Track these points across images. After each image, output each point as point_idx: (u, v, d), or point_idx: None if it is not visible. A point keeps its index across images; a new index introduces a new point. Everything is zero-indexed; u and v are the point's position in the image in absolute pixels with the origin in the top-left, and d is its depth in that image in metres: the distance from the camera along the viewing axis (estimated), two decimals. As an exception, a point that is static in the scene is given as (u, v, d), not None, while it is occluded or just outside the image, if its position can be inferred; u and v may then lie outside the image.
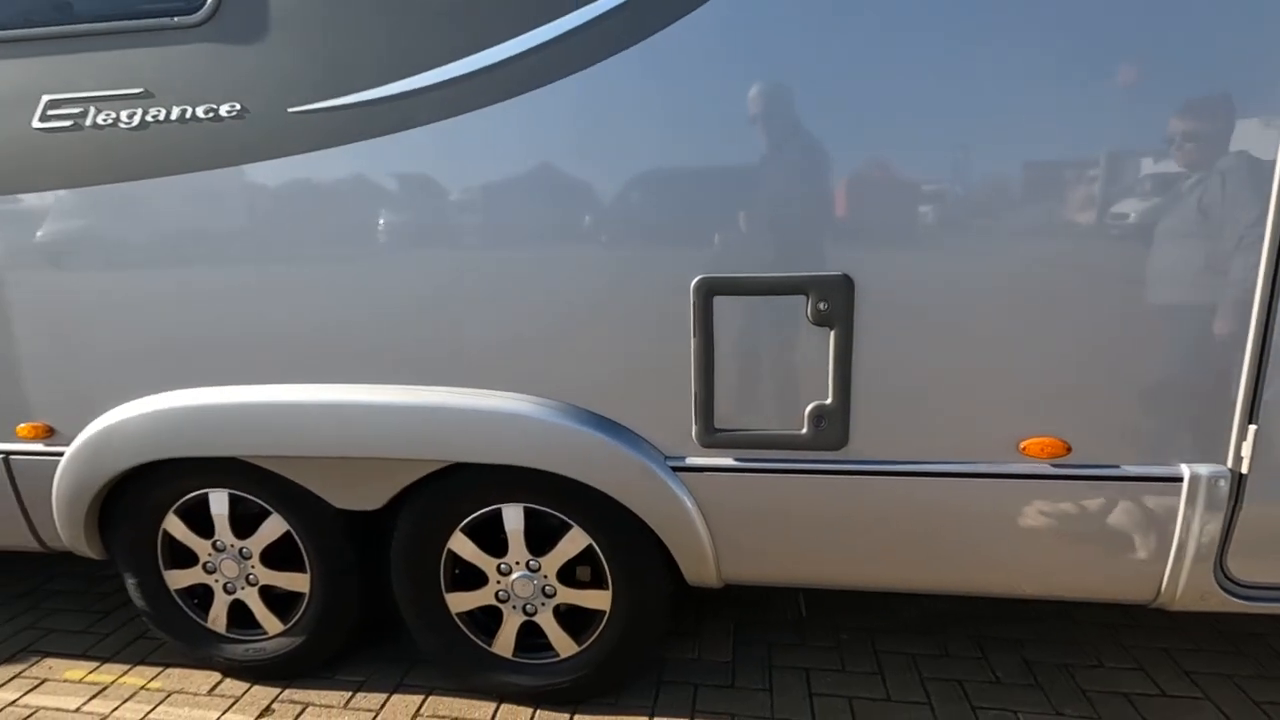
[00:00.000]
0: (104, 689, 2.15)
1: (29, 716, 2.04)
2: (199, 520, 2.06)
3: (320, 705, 2.05)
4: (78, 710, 2.06)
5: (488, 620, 2.02)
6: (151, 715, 2.03)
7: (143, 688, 2.15)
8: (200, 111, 1.71)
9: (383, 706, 2.04)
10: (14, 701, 2.10)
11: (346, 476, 1.90)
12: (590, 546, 1.88)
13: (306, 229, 1.74)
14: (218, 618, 2.14)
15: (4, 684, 2.18)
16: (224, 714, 2.02)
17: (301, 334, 1.79)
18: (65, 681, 2.19)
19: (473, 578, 1.97)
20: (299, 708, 2.04)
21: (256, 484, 1.99)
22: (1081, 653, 2.20)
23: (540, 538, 1.91)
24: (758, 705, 2.01)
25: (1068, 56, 1.43)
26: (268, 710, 2.03)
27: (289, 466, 1.91)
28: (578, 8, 1.54)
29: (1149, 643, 2.24)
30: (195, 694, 2.11)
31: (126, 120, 1.74)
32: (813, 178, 1.55)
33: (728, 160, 1.56)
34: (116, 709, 2.06)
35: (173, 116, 1.72)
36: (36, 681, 2.19)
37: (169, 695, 2.11)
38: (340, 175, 1.70)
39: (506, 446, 1.75)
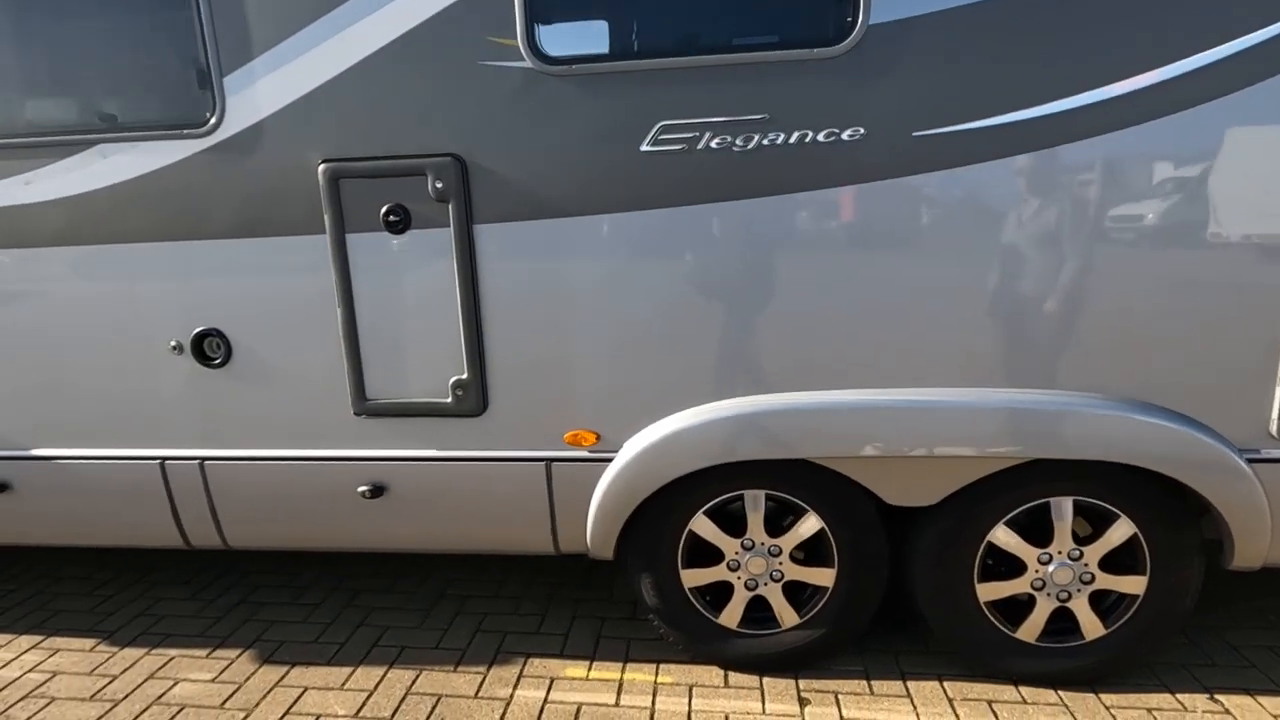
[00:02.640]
0: (620, 685, 2.24)
1: (576, 713, 2.13)
2: (725, 520, 2.18)
3: (848, 694, 2.16)
4: (618, 705, 2.15)
5: (1007, 607, 2.16)
6: (696, 706, 2.13)
7: (657, 681, 2.24)
8: (821, 136, 1.84)
9: (908, 693, 2.16)
10: (547, 700, 2.18)
11: (910, 474, 2.03)
12: (1135, 535, 2.03)
13: (909, 243, 1.88)
14: (734, 613, 2.24)
15: (515, 682, 2.26)
16: (765, 704, 2.13)
17: (870, 341, 1.93)
18: (573, 679, 2.27)
19: (1006, 567, 2.11)
20: (829, 696, 2.16)
21: (793, 484, 2.11)
22: None
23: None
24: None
25: None
26: (804, 700, 2.14)
27: (852, 466, 2.04)
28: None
29: None
30: (715, 686, 2.22)
31: (740, 144, 1.87)
32: None
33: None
34: (653, 702, 2.15)
35: (790, 141, 1.86)
36: (546, 680, 2.27)
37: (691, 688, 2.21)
38: (958, 193, 1.84)
39: (1097, 443, 1.90)
